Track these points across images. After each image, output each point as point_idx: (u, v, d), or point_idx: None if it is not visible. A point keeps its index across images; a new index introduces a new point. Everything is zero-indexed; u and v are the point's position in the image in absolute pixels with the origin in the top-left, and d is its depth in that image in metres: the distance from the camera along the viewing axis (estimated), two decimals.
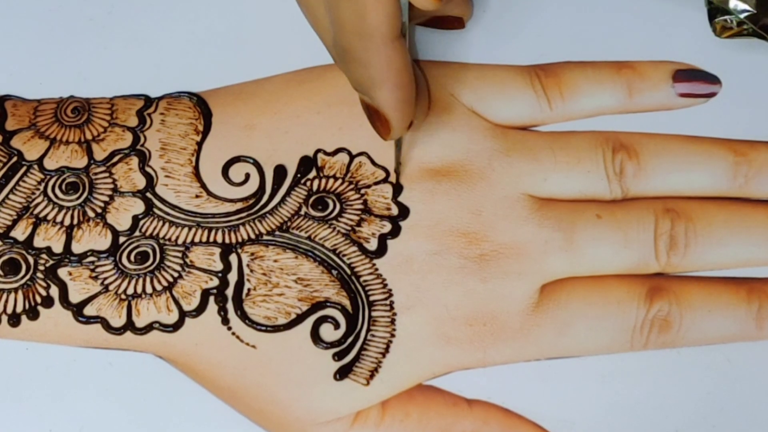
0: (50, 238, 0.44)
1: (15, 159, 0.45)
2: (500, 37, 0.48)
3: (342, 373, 0.42)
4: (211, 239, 0.44)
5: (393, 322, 0.43)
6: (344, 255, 0.44)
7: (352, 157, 0.45)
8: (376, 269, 0.44)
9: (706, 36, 0.47)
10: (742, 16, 0.43)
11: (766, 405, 0.43)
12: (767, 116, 0.47)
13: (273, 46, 0.48)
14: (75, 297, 0.43)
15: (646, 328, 0.43)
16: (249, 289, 0.43)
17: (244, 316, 0.43)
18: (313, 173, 0.45)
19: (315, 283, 0.43)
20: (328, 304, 0.43)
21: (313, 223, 0.44)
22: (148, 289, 0.43)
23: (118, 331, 0.43)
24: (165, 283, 0.43)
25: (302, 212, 0.44)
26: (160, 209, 0.44)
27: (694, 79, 0.47)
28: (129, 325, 0.43)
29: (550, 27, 0.48)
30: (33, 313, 0.43)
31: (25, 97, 0.47)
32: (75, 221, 0.44)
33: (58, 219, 0.44)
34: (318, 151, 0.45)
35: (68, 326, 0.43)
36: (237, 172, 0.45)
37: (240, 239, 0.44)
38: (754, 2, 0.42)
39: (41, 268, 0.43)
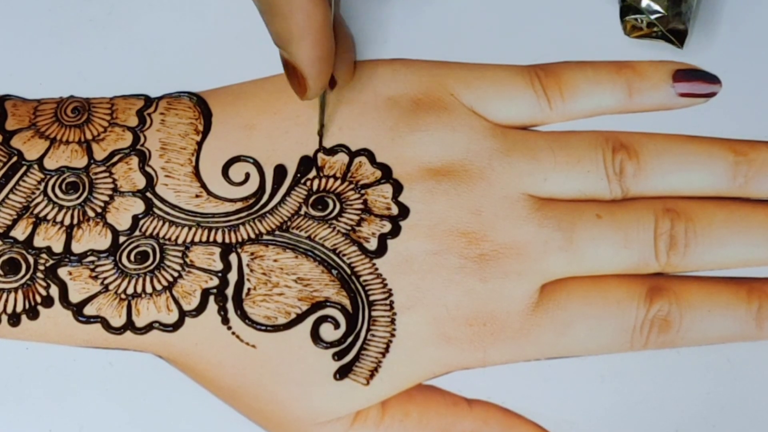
0: (50, 238, 0.44)
1: (15, 159, 0.45)
2: (500, 37, 0.48)
3: (342, 373, 0.42)
4: (211, 239, 0.44)
5: (393, 321, 0.43)
6: (344, 255, 0.44)
7: (351, 156, 0.45)
8: (376, 269, 0.44)
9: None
10: (652, 17, 0.43)
11: (766, 405, 0.43)
12: (767, 116, 0.47)
13: (273, 46, 0.48)
14: (75, 297, 0.43)
15: (646, 328, 0.43)
16: (249, 289, 0.43)
17: (244, 316, 0.43)
18: (313, 173, 0.45)
19: (315, 282, 0.43)
20: (328, 303, 0.43)
21: (313, 223, 0.44)
22: (148, 289, 0.43)
23: (118, 330, 0.43)
24: (165, 283, 0.43)
25: (302, 212, 0.44)
26: (160, 209, 0.44)
27: (694, 78, 0.47)
28: (129, 325, 0.43)
29: (551, 27, 0.48)
30: (33, 313, 0.43)
31: (25, 96, 0.47)
32: (75, 221, 0.44)
33: (58, 219, 0.44)
34: (318, 150, 0.45)
35: (68, 326, 0.43)
36: (237, 171, 0.45)
37: (240, 239, 0.44)
38: (666, 4, 0.42)
39: (41, 267, 0.43)
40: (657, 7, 0.43)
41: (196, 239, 0.44)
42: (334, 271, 0.43)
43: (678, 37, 0.45)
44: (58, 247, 0.44)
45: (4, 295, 0.43)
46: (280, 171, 0.45)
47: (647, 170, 0.45)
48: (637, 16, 0.44)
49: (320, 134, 0.45)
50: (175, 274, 0.43)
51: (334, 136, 0.45)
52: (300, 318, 0.43)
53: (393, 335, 0.43)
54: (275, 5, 0.40)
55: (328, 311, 0.43)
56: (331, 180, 0.45)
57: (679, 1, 0.42)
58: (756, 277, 0.45)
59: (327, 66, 0.41)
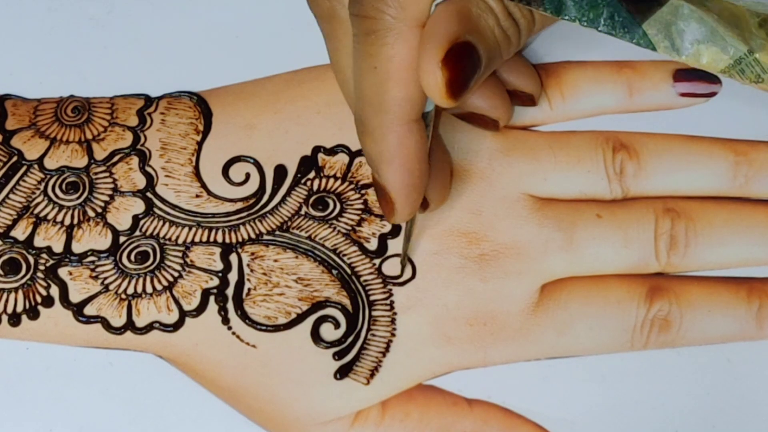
0: (50, 238, 0.44)
1: (15, 158, 0.45)
2: None
3: (342, 373, 0.42)
4: (212, 239, 0.44)
5: (393, 321, 0.43)
6: (344, 255, 0.44)
7: (352, 156, 0.45)
8: (377, 269, 0.44)
9: None
10: None
11: (766, 405, 0.43)
12: (767, 116, 0.47)
13: (273, 45, 0.48)
14: (75, 297, 0.43)
15: (647, 328, 0.43)
16: (249, 289, 0.43)
17: (244, 316, 0.43)
18: (314, 173, 0.45)
19: (315, 282, 0.43)
20: (329, 303, 0.43)
21: (313, 223, 0.44)
22: (149, 289, 0.43)
23: (119, 330, 0.43)
24: (165, 283, 0.43)
25: (302, 212, 0.44)
26: (160, 209, 0.44)
27: (695, 78, 0.47)
28: (129, 325, 0.43)
29: (551, 28, 0.48)
30: (33, 313, 0.43)
31: (25, 96, 0.47)
32: (75, 221, 0.44)
33: (59, 218, 0.44)
34: (318, 150, 0.45)
35: (68, 326, 0.43)
36: (237, 171, 0.45)
37: (240, 239, 0.44)
38: None
39: (41, 267, 0.43)
40: None
41: (197, 239, 0.44)
42: (335, 271, 0.43)
43: None
44: (58, 247, 0.44)
45: (5, 295, 0.43)
46: (280, 171, 0.45)
47: (647, 170, 0.45)
48: None
49: (402, 264, 0.43)
50: (176, 274, 0.43)
51: (335, 137, 0.45)
52: (300, 318, 0.43)
53: (393, 335, 0.43)
54: (368, 125, 0.39)
55: (329, 311, 0.43)
56: (332, 180, 0.45)
57: None
58: (756, 277, 0.45)
59: (418, 193, 0.40)
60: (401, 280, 0.43)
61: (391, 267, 0.43)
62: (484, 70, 0.37)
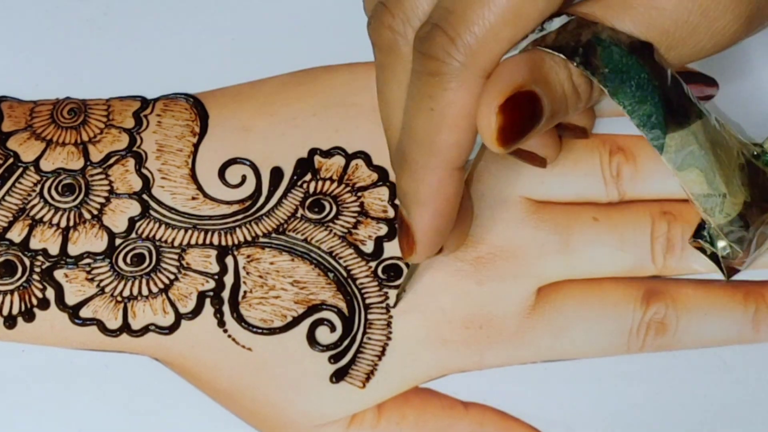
0: (46, 240, 0.44)
1: (11, 160, 0.45)
2: None
3: (338, 376, 0.42)
4: (208, 241, 0.44)
5: (389, 324, 0.43)
6: (340, 257, 0.44)
7: (348, 159, 0.45)
8: (373, 272, 0.44)
9: None
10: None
11: (762, 407, 0.43)
12: (763, 119, 0.47)
13: (269, 48, 0.48)
14: (71, 299, 0.43)
15: (643, 331, 0.43)
16: (245, 292, 0.43)
17: (240, 319, 0.43)
18: (310, 175, 0.45)
19: (311, 285, 0.43)
20: (324, 306, 0.43)
21: (309, 226, 0.44)
22: (144, 291, 0.43)
23: (114, 333, 0.43)
24: (161, 285, 0.43)
25: (298, 214, 0.44)
26: (156, 211, 0.44)
27: (691, 82, 0.47)
28: (125, 327, 0.43)
29: None
30: (29, 315, 0.43)
31: (21, 98, 0.47)
32: (71, 223, 0.44)
33: (54, 221, 0.44)
34: (314, 152, 0.45)
35: (64, 328, 0.43)
36: (233, 174, 0.45)
37: (236, 241, 0.44)
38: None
39: (37, 270, 0.43)
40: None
41: (193, 242, 0.44)
42: (331, 274, 0.43)
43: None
44: (54, 250, 0.44)
45: (0, 297, 0.43)
46: (276, 173, 0.45)
47: (644, 173, 0.45)
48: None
49: (398, 297, 0.43)
50: (172, 277, 0.43)
51: (331, 139, 0.45)
52: (296, 321, 0.43)
53: (389, 338, 0.43)
54: (411, 162, 0.38)
55: (324, 314, 0.43)
56: (328, 182, 0.45)
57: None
58: (753, 280, 0.45)
59: (442, 238, 0.40)
60: (395, 307, 0.43)
61: (395, 247, 0.43)
62: (546, 122, 0.36)
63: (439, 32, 0.36)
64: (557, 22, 0.36)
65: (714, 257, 0.44)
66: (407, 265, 0.43)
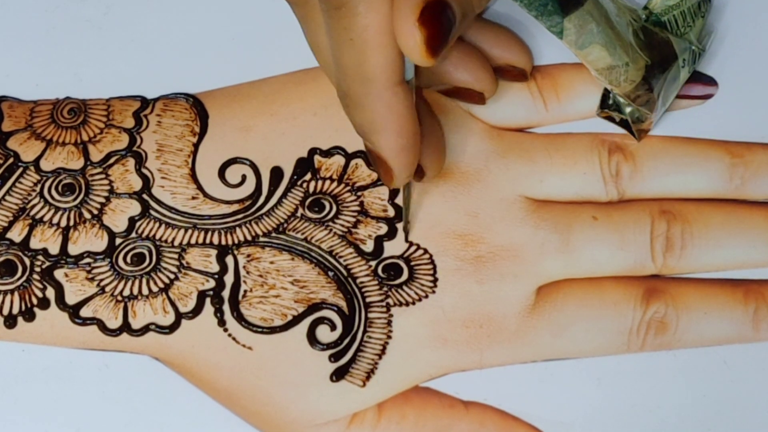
0: (46, 240, 0.44)
1: (11, 160, 0.45)
2: None
3: (338, 375, 0.42)
4: (208, 241, 0.44)
5: (389, 323, 0.43)
6: (340, 257, 0.44)
7: (348, 158, 0.45)
8: (373, 271, 0.44)
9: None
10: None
11: (763, 407, 0.43)
12: (764, 118, 0.47)
13: (270, 47, 0.48)
14: (71, 298, 0.43)
15: (643, 330, 0.43)
16: (245, 291, 0.43)
17: (240, 318, 0.43)
18: (310, 175, 0.45)
19: (311, 284, 0.43)
20: (325, 305, 0.43)
21: (309, 225, 0.44)
22: (145, 291, 0.43)
23: (114, 332, 0.43)
24: (161, 285, 0.43)
25: (299, 214, 0.44)
26: (156, 211, 0.44)
27: (691, 80, 0.47)
28: (125, 327, 0.43)
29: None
30: (29, 315, 0.43)
31: (21, 98, 0.47)
32: (71, 223, 0.44)
33: (55, 220, 0.44)
34: (314, 152, 0.45)
35: (64, 328, 0.43)
36: (233, 173, 0.45)
37: (236, 241, 0.44)
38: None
39: (37, 269, 0.43)
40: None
41: (193, 241, 0.44)
42: (331, 273, 0.43)
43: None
44: (54, 249, 0.44)
45: (0, 297, 0.43)
46: (276, 173, 0.45)
47: (643, 172, 0.45)
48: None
49: (406, 230, 0.44)
50: (172, 276, 0.43)
51: (331, 138, 0.45)
52: (296, 320, 0.43)
53: (389, 337, 0.43)
54: (353, 96, 0.39)
55: (325, 313, 0.43)
56: (328, 182, 0.45)
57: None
58: (753, 279, 0.45)
59: (413, 154, 0.40)
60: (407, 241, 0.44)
61: (395, 246, 0.44)
62: (458, 25, 0.37)
63: None
64: None
65: (624, 123, 0.45)
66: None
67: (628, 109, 0.44)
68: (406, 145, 0.40)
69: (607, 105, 0.45)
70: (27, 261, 0.43)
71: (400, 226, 0.44)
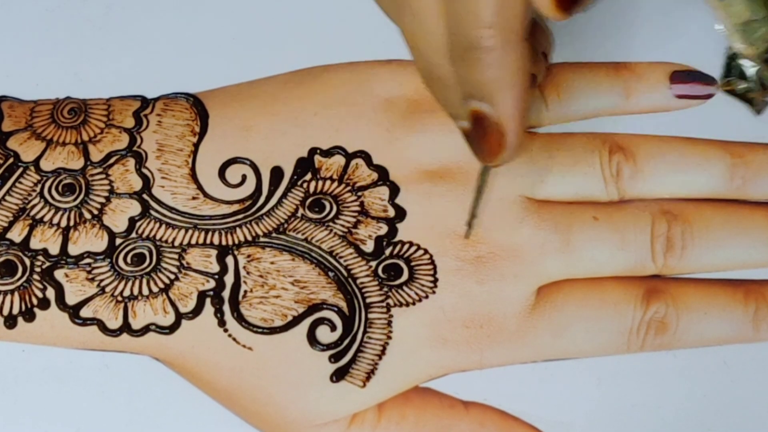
0: (46, 240, 0.44)
1: (11, 160, 0.45)
2: None
3: (338, 375, 0.42)
4: (208, 241, 0.44)
5: (389, 324, 0.43)
6: (341, 257, 0.44)
7: (348, 158, 0.45)
8: (373, 271, 0.44)
9: (708, 35, 0.47)
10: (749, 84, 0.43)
11: (763, 407, 0.43)
12: (765, 118, 0.47)
13: (270, 46, 0.48)
14: (71, 299, 0.43)
15: (643, 330, 0.43)
16: (245, 291, 0.43)
17: (240, 318, 0.43)
18: (310, 175, 0.45)
19: (311, 285, 0.43)
20: (325, 306, 0.43)
21: (309, 225, 0.44)
22: (145, 291, 0.43)
23: (115, 332, 0.43)
24: (161, 285, 0.43)
25: (299, 214, 0.44)
26: (156, 211, 0.44)
27: (692, 80, 0.47)
28: (125, 327, 0.43)
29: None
30: (29, 315, 0.43)
31: (21, 98, 0.47)
32: (71, 223, 0.44)
33: (55, 220, 0.44)
34: (315, 152, 0.45)
35: (64, 328, 0.43)
36: (234, 173, 0.45)
37: (236, 241, 0.44)
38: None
39: (37, 269, 0.43)
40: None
41: (193, 241, 0.44)
42: (331, 273, 0.43)
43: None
44: (54, 249, 0.44)
45: (0, 297, 0.43)
46: (276, 173, 0.45)
47: (644, 172, 0.45)
48: (738, 81, 0.44)
49: (470, 225, 0.42)
50: (172, 277, 0.43)
51: (331, 138, 0.45)
52: (296, 320, 0.43)
53: (390, 337, 0.43)
54: (476, 50, 0.35)
55: (325, 313, 0.43)
56: (328, 182, 0.45)
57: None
58: (753, 279, 0.45)
59: (526, 123, 0.37)
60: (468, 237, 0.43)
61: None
62: None
63: None
64: None
65: (745, 95, 0.43)
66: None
67: (752, 71, 0.42)
68: (526, 114, 0.36)
69: (730, 73, 0.42)
70: (27, 261, 0.43)
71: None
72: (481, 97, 0.36)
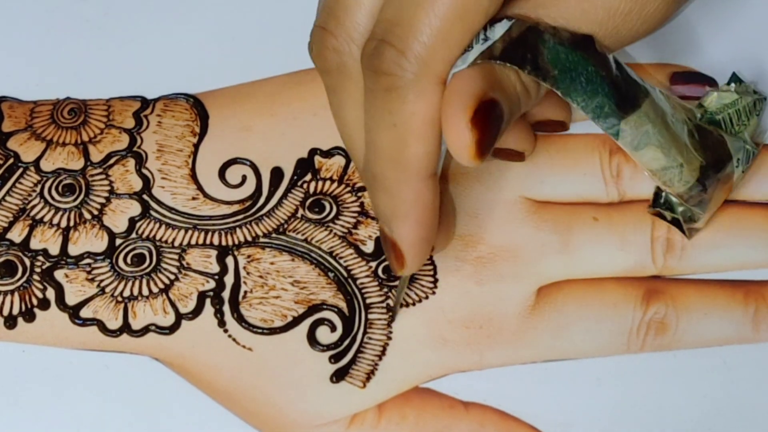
0: (47, 240, 0.44)
1: (11, 161, 0.45)
2: None
3: (338, 376, 0.42)
4: (208, 241, 0.44)
5: (389, 324, 0.43)
6: (341, 257, 0.44)
7: (348, 159, 0.45)
8: (373, 272, 0.44)
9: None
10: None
11: (762, 407, 0.43)
12: (763, 118, 0.47)
13: (270, 47, 0.48)
14: (71, 299, 0.43)
15: (643, 331, 0.43)
16: (245, 292, 0.43)
17: (240, 319, 0.43)
18: (310, 175, 0.45)
19: (311, 285, 0.43)
20: (325, 306, 0.43)
21: (309, 226, 0.44)
22: (145, 292, 0.43)
23: (115, 333, 0.43)
24: (161, 286, 0.43)
25: (299, 214, 0.44)
26: (156, 211, 0.44)
27: (691, 81, 0.47)
28: (125, 328, 0.43)
29: None
30: (29, 315, 0.43)
31: (21, 98, 0.47)
32: (71, 223, 0.44)
33: (55, 221, 0.44)
34: (315, 152, 0.45)
35: (64, 328, 0.43)
36: (233, 174, 0.45)
37: (236, 241, 0.44)
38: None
39: (38, 270, 0.43)
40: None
41: (193, 242, 0.44)
42: (331, 274, 0.43)
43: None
44: (54, 250, 0.44)
45: (0, 298, 0.43)
46: (276, 173, 0.45)
47: (644, 173, 0.45)
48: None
49: (393, 311, 0.43)
50: (172, 277, 0.43)
51: (331, 139, 0.45)
52: (296, 321, 0.43)
53: (389, 338, 0.43)
54: (382, 180, 0.37)
55: (325, 314, 0.43)
56: (328, 182, 0.45)
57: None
58: (753, 280, 0.45)
59: (429, 245, 0.39)
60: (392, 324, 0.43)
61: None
62: (505, 126, 0.36)
63: (387, 47, 0.35)
64: (499, 29, 0.36)
65: (676, 222, 0.44)
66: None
67: (680, 209, 0.43)
68: (426, 237, 0.39)
69: (659, 204, 0.44)
70: (27, 261, 0.43)
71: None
72: (383, 219, 0.38)
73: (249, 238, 0.44)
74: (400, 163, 0.37)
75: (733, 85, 0.45)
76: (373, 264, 0.44)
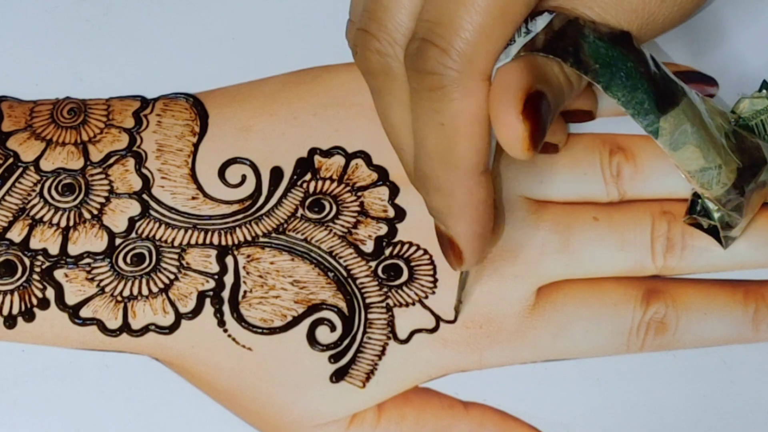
0: (46, 240, 0.44)
1: (11, 160, 0.45)
2: None
3: (338, 376, 0.42)
4: (208, 241, 0.44)
5: (389, 324, 0.43)
6: (340, 257, 0.44)
7: (348, 158, 0.45)
8: (373, 271, 0.44)
9: None
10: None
11: (762, 407, 0.43)
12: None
13: (270, 47, 0.48)
14: (71, 299, 0.43)
15: (643, 331, 0.43)
16: (245, 291, 0.43)
17: (240, 319, 0.43)
18: (310, 175, 0.45)
19: (311, 285, 0.43)
20: (324, 306, 0.43)
21: (309, 225, 0.44)
22: (144, 291, 0.43)
23: (114, 333, 0.43)
24: (161, 285, 0.43)
25: (299, 214, 0.44)
26: (156, 211, 0.44)
27: (691, 81, 0.47)
28: (125, 327, 0.43)
29: None
30: (29, 315, 0.43)
31: (21, 98, 0.47)
32: (71, 223, 0.44)
33: (54, 220, 0.44)
34: (314, 152, 0.45)
35: (64, 328, 0.43)
36: (233, 173, 0.45)
37: (236, 241, 0.44)
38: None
39: (37, 269, 0.43)
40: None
41: (193, 241, 0.44)
42: (331, 274, 0.43)
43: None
44: (54, 249, 0.44)
45: (0, 297, 0.43)
46: (276, 173, 0.45)
47: (644, 173, 0.45)
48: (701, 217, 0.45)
49: (457, 310, 0.43)
50: (172, 277, 0.43)
51: (331, 138, 0.45)
52: (296, 320, 0.43)
53: (389, 338, 0.43)
54: (434, 179, 0.38)
55: (325, 314, 0.43)
56: (328, 182, 0.45)
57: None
58: (753, 280, 0.45)
59: (486, 242, 0.39)
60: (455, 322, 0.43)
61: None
62: (553, 117, 0.36)
63: (430, 46, 0.35)
64: (540, 21, 0.36)
65: (712, 230, 0.44)
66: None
67: (717, 215, 0.43)
68: (482, 234, 0.39)
69: (696, 211, 0.44)
70: (27, 261, 0.43)
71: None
72: (438, 217, 0.39)
73: (249, 238, 0.44)
74: (450, 162, 0.37)
75: (764, 92, 0.45)
76: (373, 264, 0.44)
